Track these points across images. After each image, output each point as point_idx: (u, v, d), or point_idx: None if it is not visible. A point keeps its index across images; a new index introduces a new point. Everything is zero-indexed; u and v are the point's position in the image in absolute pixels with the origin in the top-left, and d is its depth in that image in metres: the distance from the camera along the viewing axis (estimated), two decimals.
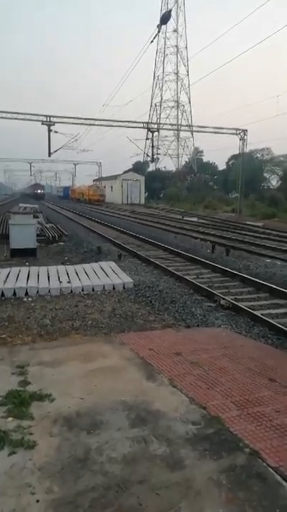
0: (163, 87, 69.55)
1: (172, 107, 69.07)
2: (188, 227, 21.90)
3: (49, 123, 29.59)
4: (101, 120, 32.20)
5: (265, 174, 51.57)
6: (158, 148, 42.29)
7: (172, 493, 2.41)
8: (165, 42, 67.14)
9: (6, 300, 6.96)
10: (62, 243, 14.42)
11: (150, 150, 34.81)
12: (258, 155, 52.02)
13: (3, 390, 3.61)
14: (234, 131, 33.99)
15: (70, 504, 2.31)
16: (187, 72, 68.63)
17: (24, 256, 11.05)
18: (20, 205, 30.15)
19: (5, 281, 7.65)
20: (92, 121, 32.06)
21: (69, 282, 7.78)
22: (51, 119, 29.73)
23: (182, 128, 51.67)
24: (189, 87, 67.92)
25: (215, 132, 35.16)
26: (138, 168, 63.89)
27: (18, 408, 3.32)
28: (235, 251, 13.54)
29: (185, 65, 68.78)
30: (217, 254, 13.05)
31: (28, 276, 8.13)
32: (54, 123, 29.80)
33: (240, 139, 34.08)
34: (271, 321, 6.28)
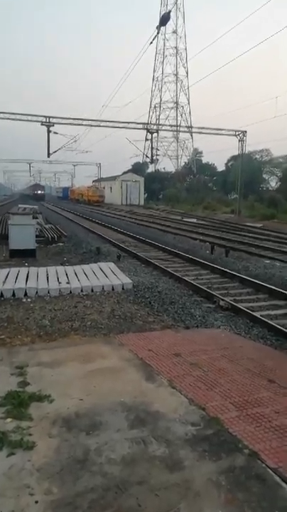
0: (163, 88, 69.73)
1: (172, 108, 69.22)
2: (187, 228, 21.91)
3: (48, 124, 29.62)
4: (100, 121, 32.24)
5: (264, 175, 51.66)
6: (158, 150, 42.28)
7: (171, 494, 2.41)
8: (164, 43, 67.32)
9: (5, 301, 6.95)
10: (61, 244, 14.42)
11: (150, 151, 34.86)
12: (258, 156, 52.11)
13: (2, 390, 3.60)
14: (233, 133, 34.06)
15: (69, 505, 2.30)
16: (187, 73, 68.81)
17: (23, 256, 11.04)
18: (20, 205, 30.14)
19: (4, 282, 7.65)
20: (92, 122, 32.10)
21: (68, 283, 7.78)
22: (50, 119, 29.78)
23: (182, 129, 51.67)
24: (188, 88, 68.07)
25: (214, 133, 35.23)
26: (138, 169, 63.95)
27: (17, 409, 3.31)
28: (234, 252, 13.55)
29: (184, 67, 68.95)
30: (216, 255, 13.05)
31: (27, 276, 8.12)
32: (53, 124, 29.85)
33: (239, 140, 34.15)
34: (270, 322, 6.29)
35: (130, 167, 66.34)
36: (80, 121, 31.54)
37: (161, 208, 46.20)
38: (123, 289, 7.85)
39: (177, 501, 2.35)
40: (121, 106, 57.58)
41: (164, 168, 69.24)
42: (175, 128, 51.99)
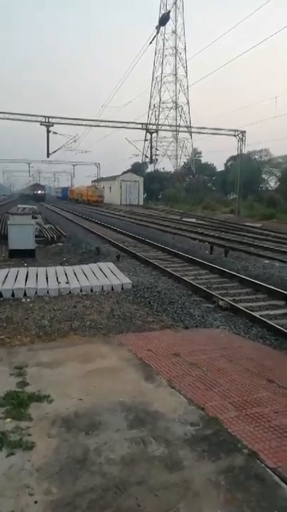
0: (162, 89, 69.83)
1: (171, 108, 69.29)
2: (187, 228, 21.92)
3: (48, 124, 29.62)
4: (100, 121, 32.25)
5: (263, 175, 51.71)
6: (157, 149, 42.26)
7: (170, 494, 2.41)
8: (163, 43, 67.43)
9: (5, 301, 6.95)
10: (60, 244, 14.42)
11: (149, 151, 34.85)
12: (257, 156, 52.15)
13: (1, 391, 3.60)
14: (233, 133, 34.08)
15: (69, 505, 2.31)
16: (186, 73, 68.91)
17: (23, 257, 11.04)
18: (19, 205, 30.13)
19: (3, 282, 7.64)
20: (91, 122, 32.11)
21: (67, 283, 7.78)
22: (50, 119, 29.78)
23: (181, 129, 51.75)
24: (187, 88, 68.13)
25: (213, 133, 35.30)
26: (137, 169, 63.96)
27: (17, 409, 3.31)
28: (234, 252, 13.56)
29: (183, 67, 69.07)
30: (216, 255, 13.06)
31: (27, 277, 8.12)
32: (53, 124, 29.85)
33: (238, 140, 34.18)
34: (269, 322, 6.29)
35: (129, 167, 66.41)
36: (80, 121, 31.55)
37: (160, 207, 46.23)
38: (122, 289, 7.85)
39: (176, 501, 2.36)
40: (121, 106, 57.50)
41: (163, 168, 69.38)
42: (174, 128, 52.12)
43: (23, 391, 3.63)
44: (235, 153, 39.84)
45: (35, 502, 2.32)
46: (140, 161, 61.31)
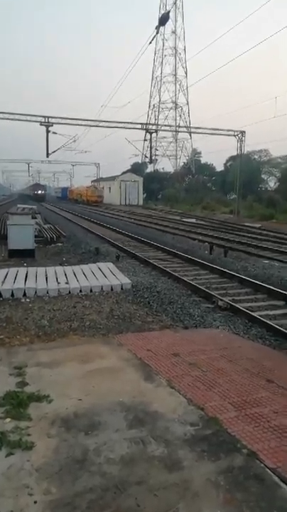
0: (162, 89, 69.80)
1: (171, 108, 69.26)
2: (186, 228, 21.92)
3: (47, 124, 29.62)
4: (99, 121, 32.25)
5: (263, 176, 51.70)
6: (157, 150, 42.32)
7: (170, 494, 2.41)
8: (163, 43, 67.39)
9: (4, 301, 6.95)
10: (60, 244, 14.41)
11: (149, 151, 34.87)
12: (256, 156, 52.14)
13: (1, 391, 3.60)
14: (232, 133, 34.09)
15: (68, 505, 2.31)
16: (186, 73, 68.91)
17: (22, 257, 11.03)
18: (19, 205, 30.12)
19: (3, 282, 7.64)
20: (91, 122, 32.10)
21: (67, 283, 7.78)
22: (49, 119, 29.77)
23: (181, 129, 51.73)
24: (187, 88, 68.12)
25: (213, 134, 35.31)
26: (137, 169, 63.96)
27: (16, 409, 3.31)
28: (233, 252, 13.56)
29: (183, 67, 69.06)
30: (215, 255, 13.06)
31: (26, 277, 8.12)
32: (52, 124, 29.85)
33: (238, 141, 34.19)
34: (268, 322, 6.29)
35: (129, 167, 66.38)
36: (79, 121, 31.54)
37: (160, 208, 46.23)
38: (122, 289, 7.85)
39: (176, 501, 2.36)
40: (120, 106, 57.30)
41: (163, 169, 69.39)
42: (174, 128, 52.05)
43: (23, 391, 3.63)
44: (235, 153, 39.90)
45: (35, 502, 2.32)
46: (139, 161, 61.38)
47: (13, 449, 2.80)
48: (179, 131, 54.93)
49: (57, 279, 8.08)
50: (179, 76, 69.10)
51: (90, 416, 3.25)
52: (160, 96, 69.72)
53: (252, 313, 6.66)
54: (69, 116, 33.49)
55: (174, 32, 67.55)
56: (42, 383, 3.80)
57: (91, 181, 70.62)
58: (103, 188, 59.22)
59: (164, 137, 65.78)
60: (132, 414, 3.29)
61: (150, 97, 70.42)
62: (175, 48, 68.33)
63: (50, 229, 16.86)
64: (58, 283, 7.76)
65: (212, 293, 7.83)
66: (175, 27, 67.22)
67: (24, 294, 7.23)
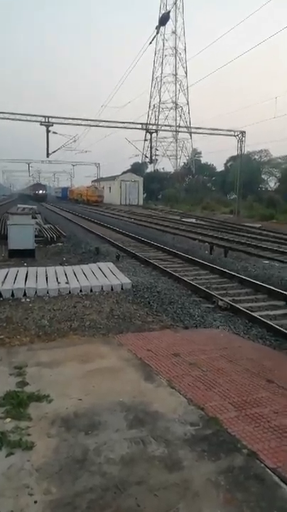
0: (162, 89, 69.85)
1: (171, 108, 69.29)
2: (186, 228, 21.93)
3: (47, 124, 29.63)
4: (99, 121, 32.25)
5: (263, 176, 51.71)
6: (157, 150, 42.27)
7: (170, 494, 2.41)
8: (163, 43, 67.42)
9: (4, 301, 6.95)
10: (60, 244, 14.41)
11: (149, 151, 34.86)
12: (257, 157, 52.17)
13: (1, 391, 3.60)
14: (232, 133, 34.11)
15: (68, 505, 2.31)
16: (186, 73, 68.95)
17: (22, 257, 11.03)
18: (19, 205, 30.13)
19: (3, 282, 7.64)
20: (91, 122, 32.11)
21: (67, 283, 7.78)
22: (50, 119, 29.78)
23: (181, 129, 51.77)
24: (187, 88, 68.15)
25: (213, 134, 35.31)
26: (137, 169, 63.98)
27: (16, 409, 3.31)
28: (233, 252, 13.56)
29: (183, 67, 69.10)
30: (215, 255, 13.06)
31: (26, 277, 8.12)
32: (52, 124, 29.86)
33: (238, 141, 34.20)
34: (268, 322, 6.29)
35: (129, 167, 66.41)
36: (79, 121, 31.55)
37: (160, 208, 46.23)
38: (122, 289, 7.84)
39: (176, 501, 2.36)
40: (121, 106, 57.39)
41: (163, 169, 69.40)
42: (174, 128, 52.06)
43: (23, 391, 3.63)
44: (235, 153, 39.94)
45: (35, 502, 2.32)
46: (140, 161, 61.40)
47: (13, 449, 2.80)
48: (179, 132, 55.00)
49: (57, 278, 8.08)
50: (179, 76, 69.20)
51: (90, 416, 3.25)
52: (160, 96, 69.83)
53: (252, 314, 6.66)
54: (70, 116, 33.51)
55: (174, 32, 67.65)
56: (42, 383, 3.80)
57: (92, 181, 70.64)
58: (103, 188, 59.23)
59: (164, 137, 65.87)
60: (132, 414, 3.29)
61: (151, 97, 70.53)
62: (175, 48, 68.41)
63: (50, 229, 16.86)
64: (58, 283, 7.76)
65: (212, 293, 7.83)
66: (176, 27, 67.33)
67: (24, 294, 7.23)
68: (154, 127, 37.94)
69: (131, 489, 2.44)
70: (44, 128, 29.61)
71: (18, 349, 4.80)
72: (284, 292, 7.92)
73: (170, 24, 62.64)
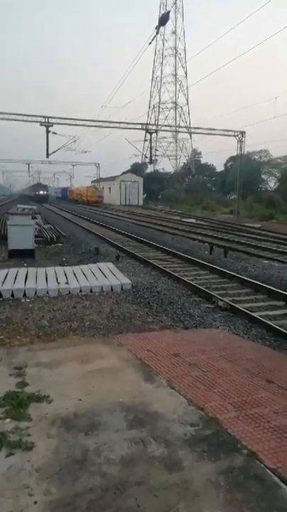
0: (162, 89, 69.87)
1: (171, 108, 69.31)
2: (186, 229, 21.93)
3: (47, 124, 29.65)
4: (99, 121, 32.28)
5: (263, 176, 51.76)
6: (157, 150, 42.34)
7: (170, 495, 2.41)
8: (163, 44, 67.43)
9: (4, 301, 6.95)
10: (60, 244, 14.41)
11: (149, 151, 34.89)
12: (256, 157, 52.20)
13: (1, 391, 3.60)
14: (232, 133, 34.12)
15: (68, 506, 2.31)
16: (186, 73, 68.98)
17: (22, 257, 11.03)
18: (19, 206, 30.13)
19: (3, 283, 7.64)
20: (91, 123, 32.12)
21: (67, 283, 7.78)
22: (49, 120, 29.80)
23: (181, 129, 51.79)
24: (187, 88, 68.18)
25: (213, 134, 35.30)
26: (137, 169, 63.98)
27: (16, 409, 3.31)
28: (233, 252, 13.56)
29: (183, 67, 69.13)
30: (215, 255, 13.07)
31: (26, 277, 8.12)
32: (52, 124, 29.87)
33: (238, 141, 34.21)
34: (268, 322, 6.29)
35: (129, 167, 66.40)
36: (79, 122, 31.56)
37: (160, 208, 46.23)
38: (122, 289, 7.85)
39: (176, 502, 2.36)
40: (121, 106, 57.42)
41: (163, 169, 69.41)
42: (174, 128, 52.09)
43: (23, 391, 3.63)
44: (235, 153, 39.95)
45: (35, 502, 2.32)
46: (139, 162, 61.46)
47: (13, 450, 2.80)
48: (179, 132, 55.02)
49: (57, 279, 8.08)
50: (179, 76, 69.23)
51: (90, 416, 3.25)
52: (160, 96, 69.84)
53: (252, 314, 6.66)
54: (70, 116, 33.54)
55: (174, 32, 67.67)
56: (42, 383, 3.80)
57: (92, 181, 70.59)
58: (103, 188, 59.22)
59: (164, 137, 65.89)
60: (132, 415, 3.29)
61: (151, 97, 70.56)
62: (175, 48, 68.43)
63: (50, 229, 16.86)
64: (58, 283, 7.76)
65: (212, 293, 7.83)
66: (175, 27, 67.36)
67: (24, 295, 7.23)
68: (154, 127, 37.97)
69: (131, 489, 2.44)
70: (44, 128, 29.62)
71: (17, 349, 4.80)
72: (284, 292, 7.93)
73: (169, 24, 62.78)
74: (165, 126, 50.04)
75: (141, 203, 56.09)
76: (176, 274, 9.54)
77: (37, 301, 7.00)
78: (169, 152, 69.82)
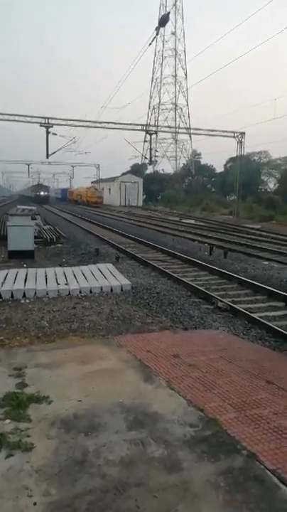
0: (161, 90, 70.00)
1: (171, 109, 69.42)
2: (186, 230, 21.94)
3: (47, 125, 29.68)
4: (99, 122, 32.31)
5: (262, 177, 51.86)
6: (156, 151, 42.32)
7: (169, 496, 2.41)
8: (163, 45, 67.55)
9: (4, 302, 6.94)
10: (60, 245, 14.41)
11: (149, 152, 34.94)
12: (256, 158, 52.30)
13: (0, 392, 3.60)
14: (232, 134, 34.16)
15: (68, 507, 2.30)
16: (186, 74, 69.12)
17: (22, 258, 11.03)
18: (19, 206, 30.14)
19: (2, 283, 7.64)
20: (91, 124, 32.15)
21: (67, 284, 7.78)
22: (49, 120, 29.84)
23: (180, 130, 51.92)
24: (187, 89, 68.31)
25: (213, 135, 35.34)
26: (137, 170, 64.03)
27: (16, 410, 3.31)
28: (233, 253, 13.57)
29: (183, 68, 69.27)
30: (215, 256, 13.07)
31: (26, 278, 8.11)
32: (52, 125, 29.91)
33: (238, 142, 34.26)
34: (268, 323, 6.30)
35: (129, 168, 66.49)
36: (79, 123, 31.60)
37: (160, 209, 46.26)
38: (121, 290, 7.84)
39: (175, 503, 2.35)
40: (120, 107, 57.60)
41: (163, 170, 69.47)
42: (173, 129, 52.16)
43: (22, 392, 3.63)
44: (234, 154, 39.91)
45: (34, 503, 2.32)
46: (139, 163, 61.42)
47: (13, 451, 2.79)
48: (179, 133, 55.11)
49: (56, 280, 8.08)
50: (179, 77, 69.36)
51: (90, 417, 3.25)
52: (160, 97, 69.96)
53: (252, 315, 6.67)
54: (69, 117, 33.54)
55: (174, 33, 67.83)
56: (41, 384, 3.79)
57: (91, 182, 70.57)
58: (103, 189, 59.22)
59: (164, 138, 66.00)
60: (132, 416, 3.29)
61: (150, 98, 70.68)
62: (175, 49, 68.58)
63: (49, 230, 16.86)
64: (58, 284, 7.76)
65: (212, 294, 7.83)
66: (175, 28, 67.55)
67: (24, 295, 7.22)
68: (154, 128, 37.98)
69: (131, 491, 2.44)
70: (44, 129, 29.66)
71: (17, 350, 4.80)
72: (283, 293, 7.93)
73: (169, 25, 62.83)
74: (165, 127, 50.03)
75: (140, 203, 56.11)
76: (176, 275, 9.54)
77: (36, 301, 7.00)
78: (169, 153, 69.97)
